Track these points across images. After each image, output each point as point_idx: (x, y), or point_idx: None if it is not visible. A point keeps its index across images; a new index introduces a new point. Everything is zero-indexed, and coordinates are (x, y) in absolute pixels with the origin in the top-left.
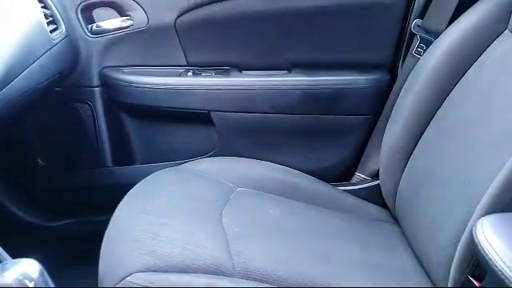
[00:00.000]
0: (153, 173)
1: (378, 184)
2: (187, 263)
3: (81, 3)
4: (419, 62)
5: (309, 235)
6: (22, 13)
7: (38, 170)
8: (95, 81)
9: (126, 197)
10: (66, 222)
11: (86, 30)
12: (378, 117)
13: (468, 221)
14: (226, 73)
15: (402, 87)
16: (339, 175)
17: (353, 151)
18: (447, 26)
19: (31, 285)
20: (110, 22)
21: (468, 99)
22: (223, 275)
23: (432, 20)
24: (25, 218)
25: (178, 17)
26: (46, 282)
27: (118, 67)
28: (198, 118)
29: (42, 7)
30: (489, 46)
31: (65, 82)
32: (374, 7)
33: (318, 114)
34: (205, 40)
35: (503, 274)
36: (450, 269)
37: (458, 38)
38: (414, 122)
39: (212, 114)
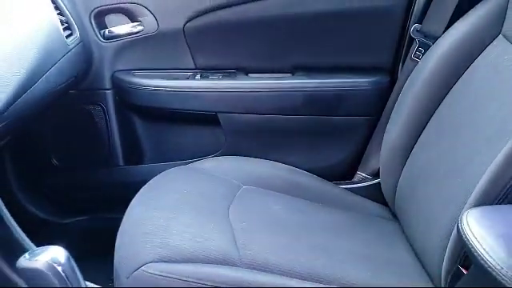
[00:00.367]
0: (162, 171)
1: (379, 182)
2: (196, 254)
3: (94, 9)
4: (418, 65)
5: (311, 230)
6: (40, 20)
7: (52, 169)
8: (107, 84)
9: (138, 193)
10: (79, 218)
11: (98, 35)
12: (379, 118)
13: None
14: (232, 76)
15: (401, 89)
16: (341, 174)
17: (354, 151)
18: (444, 31)
19: (59, 269)
20: (122, 27)
21: (463, 101)
22: (230, 265)
23: (430, 25)
24: (39, 215)
25: (187, 22)
26: (72, 268)
27: (129, 71)
28: (205, 119)
29: (57, 14)
30: (483, 50)
31: (79, 85)
32: (375, 12)
33: (320, 115)
34: (212, 44)
35: (483, 258)
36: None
37: (454, 43)
38: (413, 122)
39: (219, 115)
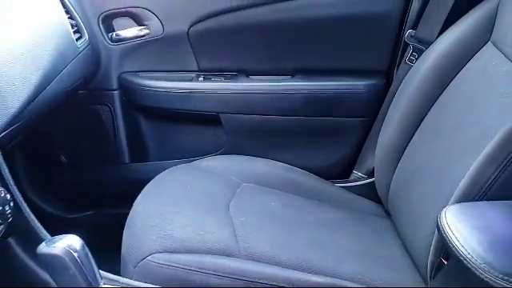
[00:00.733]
0: (166, 169)
1: (373, 181)
2: (199, 246)
3: (102, 13)
4: (411, 69)
5: (307, 225)
6: (52, 24)
7: (60, 166)
8: (114, 85)
9: (144, 189)
10: (87, 213)
11: (106, 38)
12: (374, 119)
13: None
14: (234, 78)
15: (396, 92)
16: (338, 173)
17: (350, 151)
18: (437, 37)
19: (75, 255)
20: (129, 30)
21: (453, 104)
22: (229, 256)
23: (424, 31)
24: (48, 210)
25: (191, 26)
26: (86, 254)
27: (135, 72)
28: (207, 119)
29: (68, 17)
30: (473, 56)
31: (87, 86)
32: (372, 18)
33: (318, 117)
34: (215, 47)
35: (457, 249)
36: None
37: (446, 49)
38: (406, 124)
39: (221, 115)
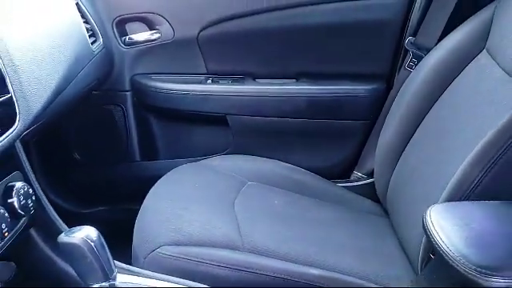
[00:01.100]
0: (175, 167)
1: (373, 182)
2: (205, 239)
3: (116, 18)
4: (411, 74)
5: (307, 223)
6: (69, 29)
7: (74, 164)
8: (127, 86)
9: (154, 186)
10: (99, 209)
11: (119, 42)
12: (375, 122)
13: None
14: (241, 81)
15: (396, 96)
16: (339, 173)
17: (352, 152)
18: (436, 44)
19: (92, 244)
20: (141, 34)
21: (447, 109)
22: (234, 249)
23: (423, 38)
24: (62, 205)
25: (200, 31)
26: (102, 244)
27: (147, 74)
28: (215, 120)
29: (83, 22)
30: (469, 63)
31: (101, 87)
32: (374, 25)
33: (321, 119)
34: (223, 52)
35: (438, 245)
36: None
37: (443, 55)
38: (404, 127)
39: (228, 117)
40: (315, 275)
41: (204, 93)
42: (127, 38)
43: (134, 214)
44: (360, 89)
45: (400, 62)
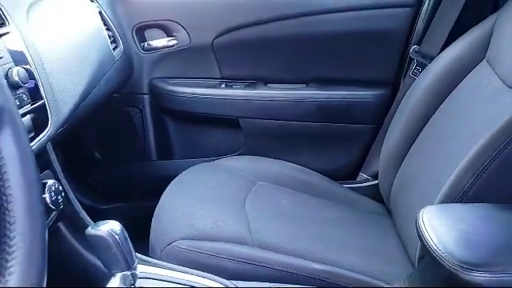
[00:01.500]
0: (190, 167)
1: (377, 183)
2: (217, 235)
3: (135, 25)
4: (415, 82)
5: (314, 222)
6: (94, 37)
7: (95, 162)
8: (145, 89)
9: (170, 185)
10: (118, 205)
11: (139, 47)
12: (381, 126)
13: None
14: (253, 85)
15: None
16: (345, 175)
17: (357, 155)
18: (439, 53)
19: (117, 237)
20: (159, 41)
21: (447, 116)
22: (243, 244)
23: (427, 47)
24: (83, 201)
25: (215, 38)
26: (125, 237)
27: (164, 78)
28: (228, 122)
29: (105, 29)
30: (470, 72)
31: (120, 90)
32: (381, 34)
33: (330, 123)
34: (236, 58)
35: (428, 244)
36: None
37: (445, 64)
38: (408, 132)
39: (240, 119)
40: (318, 270)
41: (218, 97)
42: (146, 44)
43: (150, 210)
44: (367, 94)
45: (405, 69)
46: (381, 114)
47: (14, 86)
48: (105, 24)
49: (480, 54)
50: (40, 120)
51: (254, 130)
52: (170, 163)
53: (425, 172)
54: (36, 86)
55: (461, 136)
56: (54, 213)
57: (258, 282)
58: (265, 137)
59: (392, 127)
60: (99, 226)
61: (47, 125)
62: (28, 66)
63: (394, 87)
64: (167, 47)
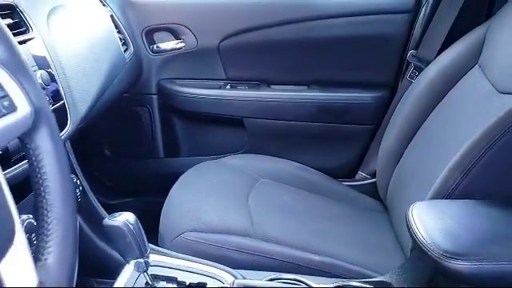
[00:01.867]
0: (196, 164)
1: (375, 181)
2: (222, 227)
3: (145, 28)
4: (412, 85)
5: (314, 217)
6: (106, 40)
7: (104, 159)
8: (153, 90)
9: (177, 181)
10: (126, 200)
11: (148, 50)
12: (379, 127)
13: None
14: (257, 87)
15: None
16: (345, 173)
17: (357, 154)
18: (435, 57)
19: (131, 226)
20: (167, 43)
21: (440, 119)
22: (246, 236)
23: (424, 52)
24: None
25: (221, 41)
26: (139, 227)
27: (171, 79)
28: (232, 122)
29: (117, 32)
30: (463, 76)
31: (130, 90)
32: (379, 38)
33: (330, 123)
34: (241, 60)
35: (416, 236)
36: None
37: (441, 68)
38: (404, 132)
39: (244, 119)
40: (318, 261)
41: (223, 97)
42: (155, 46)
43: (158, 205)
44: (366, 96)
45: (403, 72)
46: (379, 115)
47: None
48: (116, 27)
49: (473, 59)
50: (60, 119)
51: (258, 130)
52: (176, 161)
53: (418, 171)
54: (56, 88)
55: (452, 137)
56: None
57: (260, 271)
58: (267, 136)
59: (389, 128)
60: (115, 216)
61: (66, 124)
62: (50, 70)
63: (392, 90)
64: (175, 49)
